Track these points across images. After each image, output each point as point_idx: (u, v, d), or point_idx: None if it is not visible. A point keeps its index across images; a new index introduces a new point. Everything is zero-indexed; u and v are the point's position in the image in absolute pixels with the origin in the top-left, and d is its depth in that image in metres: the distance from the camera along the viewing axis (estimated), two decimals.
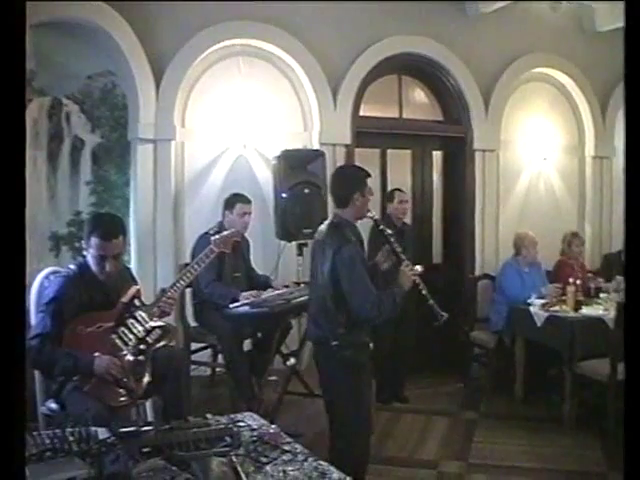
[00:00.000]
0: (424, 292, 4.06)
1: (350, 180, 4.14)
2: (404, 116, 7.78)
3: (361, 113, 7.37)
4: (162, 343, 4.17)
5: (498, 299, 6.97)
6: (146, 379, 4.05)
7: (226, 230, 5.75)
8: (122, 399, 3.94)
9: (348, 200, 4.04)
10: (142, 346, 4.08)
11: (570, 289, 6.27)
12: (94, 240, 3.99)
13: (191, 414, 3.23)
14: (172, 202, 6.50)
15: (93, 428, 2.72)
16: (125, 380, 3.94)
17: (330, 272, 3.93)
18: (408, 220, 7.49)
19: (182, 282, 4.44)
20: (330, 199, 4.42)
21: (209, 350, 6.24)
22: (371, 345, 4.10)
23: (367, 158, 7.33)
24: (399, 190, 6.92)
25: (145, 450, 2.61)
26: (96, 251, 4.00)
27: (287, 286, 5.95)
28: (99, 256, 4.01)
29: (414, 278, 4.03)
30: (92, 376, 3.85)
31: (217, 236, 4.76)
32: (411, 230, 7.07)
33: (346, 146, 7.13)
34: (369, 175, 4.18)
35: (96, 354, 3.88)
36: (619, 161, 8.59)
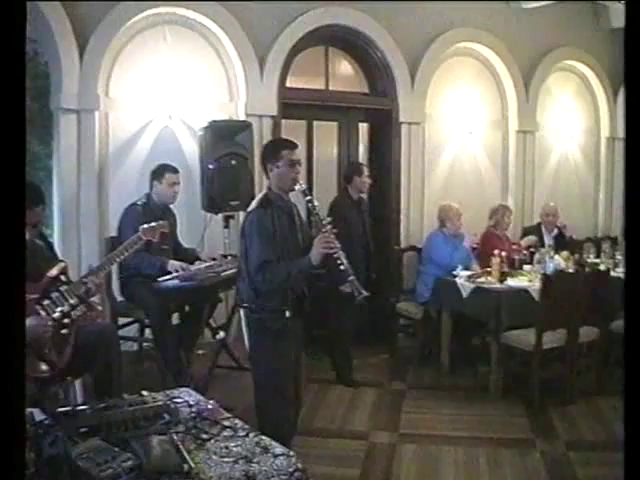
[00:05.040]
0: (342, 267, 3.96)
1: (264, 151, 4.26)
2: (330, 88, 7.75)
3: (288, 84, 7.32)
4: (87, 320, 4.16)
5: (424, 270, 7.02)
6: (68, 352, 4.02)
7: (154, 201, 5.72)
8: (43, 369, 3.90)
9: (266, 171, 4.17)
10: (66, 320, 4.04)
11: (495, 261, 6.37)
12: None
13: (122, 391, 3.18)
14: (96, 174, 6.36)
15: (28, 410, 2.64)
16: (47, 352, 3.91)
17: (241, 236, 4.10)
18: (334, 191, 7.61)
19: (108, 267, 4.48)
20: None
21: (136, 325, 6.14)
22: (287, 313, 4.02)
23: (293, 130, 7.31)
24: (364, 165, 6.92)
25: (83, 430, 2.55)
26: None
27: (214, 259, 5.89)
28: None
29: (330, 251, 3.92)
30: None
31: (146, 225, 4.71)
32: (365, 202, 6.82)
33: (272, 117, 7.07)
34: (288, 146, 4.18)
35: None
36: (542, 135, 8.78)
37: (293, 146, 4.19)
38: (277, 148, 4.18)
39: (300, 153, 4.24)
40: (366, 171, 6.60)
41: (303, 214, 4.45)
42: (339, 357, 6.52)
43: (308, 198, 4.10)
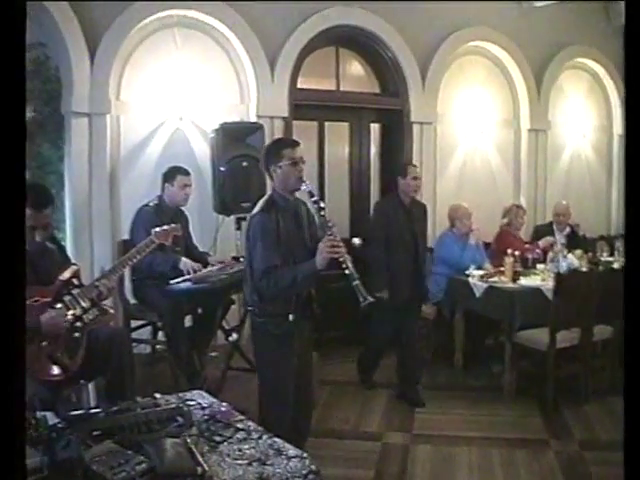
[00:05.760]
0: (347, 272, 3.79)
1: (266, 153, 4.15)
2: (342, 88, 7.74)
3: (299, 85, 7.32)
4: (99, 323, 4.15)
5: (437, 270, 7.00)
6: (80, 355, 4.01)
7: (166, 203, 5.72)
8: (55, 373, 3.89)
9: (270, 173, 4.07)
10: (78, 323, 4.03)
11: (508, 260, 6.35)
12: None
13: (135, 394, 3.17)
14: (108, 177, 6.38)
15: (41, 413, 2.64)
16: (59, 355, 3.91)
17: (246, 240, 4.05)
18: (346, 192, 7.59)
19: (120, 270, 4.46)
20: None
21: (149, 327, 6.15)
22: (291, 317, 3.97)
23: (305, 131, 7.32)
24: (413, 165, 6.28)
25: (96, 433, 2.55)
26: (27, 222, 3.88)
27: (222, 262, 5.88)
28: (30, 227, 3.89)
29: (335, 256, 3.78)
30: (39, 335, 3.80)
31: (158, 229, 4.74)
32: (422, 208, 6.23)
33: (283, 119, 7.08)
34: (289, 145, 4.09)
35: None
36: (554, 134, 8.75)
37: (294, 144, 4.10)
38: (278, 148, 4.09)
39: (302, 151, 4.07)
40: (412, 172, 5.99)
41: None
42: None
43: (314, 199, 3.98)
